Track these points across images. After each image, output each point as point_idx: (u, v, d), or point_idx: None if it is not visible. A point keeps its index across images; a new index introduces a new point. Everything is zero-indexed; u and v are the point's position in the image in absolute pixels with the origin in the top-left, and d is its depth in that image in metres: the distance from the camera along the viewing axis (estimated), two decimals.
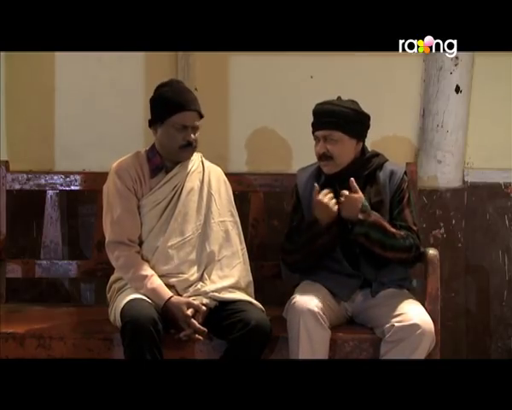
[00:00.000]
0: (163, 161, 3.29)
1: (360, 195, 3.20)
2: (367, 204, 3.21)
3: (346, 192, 3.21)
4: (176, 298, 3.13)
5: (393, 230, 3.23)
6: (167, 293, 3.13)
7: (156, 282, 3.15)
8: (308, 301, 3.12)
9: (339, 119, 3.25)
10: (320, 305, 3.13)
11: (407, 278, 3.36)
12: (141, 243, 3.24)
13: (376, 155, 3.38)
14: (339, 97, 3.34)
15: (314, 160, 3.41)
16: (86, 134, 3.88)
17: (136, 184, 3.25)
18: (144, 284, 3.13)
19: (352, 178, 3.20)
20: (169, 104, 3.20)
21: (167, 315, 3.10)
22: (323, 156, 3.28)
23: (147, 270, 3.17)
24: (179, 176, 3.29)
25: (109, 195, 3.26)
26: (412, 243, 3.24)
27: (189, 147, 3.23)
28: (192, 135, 3.21)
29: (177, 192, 3.28)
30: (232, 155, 3.90)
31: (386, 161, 3.38)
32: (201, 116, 3.26)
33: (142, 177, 3.27)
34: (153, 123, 3.26)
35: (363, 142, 3.36)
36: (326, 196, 3.23)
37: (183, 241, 3.24)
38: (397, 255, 3.24)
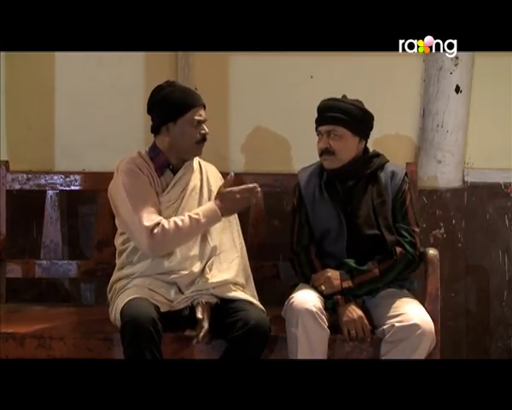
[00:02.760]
0: (167, 160, 3.29)
1: (329, 269, 3.23)
2: (345, 270, 3.23)
3: (317, 282, 3.23)
4: (216, 198, 3.19)
5: (383, 266, 3.23)
6: (210, 203, 3.19)
7: (191, 214, 3.15)
8: (306, 300, 3.12)
9: (343, 114, 3.26)
10: (318, 305, 3.13)
11: (407, 279, 3.36)
12: None
13: (377, 155, 3.38)
14: (344, 96, 3.34)
15: (314, 160, 3.41)
16: (86, 134, 3.88)
17: (149, 179, 3.24)
18: (191, 222, 3.13)
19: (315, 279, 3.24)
20: (182, 102, 3.23)
21: (231, 209, 3.18)
22: (325, 151, 3.29)
23: (176, 219, 3.15)
24: (188, 175, 3.32)
25: (126, 187, 3.18)
26: (408, 259, 3.25)
27: (204, 141, 3.28)
28: (206, 128, 3.26)
29: (183, 191, 3.30)
30: (232, 155, 3.90)
31: (387, 161, 3.38)
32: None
33: (153, 175, 3.27)
34: (162, 124, 3.25)
35: (366, 141, 3.37)
36: (321, 279, 3.24)
37: None
38: (399, 277, 3.28)
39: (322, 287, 3.21)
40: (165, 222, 3.13)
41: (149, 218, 3.13)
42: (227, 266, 3.27)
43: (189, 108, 3.23)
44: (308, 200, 3.36)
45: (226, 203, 3.17)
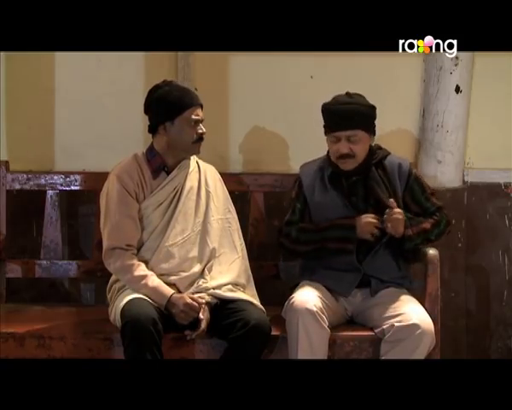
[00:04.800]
0: (164, 162, 3.30)
1: (401, 211, 3.26)
2: (407, 218, 3.28)
3: (393, 210, 3.24)
4: (177, 294, 3.14)
5: (431, 221, 3.33)
6: (169, 291, 3.13)
7: (156, 281, 3.15)
8: (307, 300, 3.12)
9: (360, 117, 3.28)
10: (319, 304, 3.13)
11: (407, 277, 3.37)
12: (141, 246, 3.24)
13: (379, 147, 3.41)
14: (348, 93, 3.33)
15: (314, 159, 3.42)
16: (86, 134, 3.88)
17: (138, 188, 3.25)
18: (144, 284, 3.13)
19: (391, 199, 3.25)
20: (179, 101, 3.23)
21: (171, 312, 3.10)
22: (346, 155, 3.29)
23: (145, 270, 3.17)
24: (180, 176, 3.31)
25: (108, 200, 3.25)
26: (445, 221, 3.36)
27: (201, 140, 3.27)
28: (203, 127, 3.26)
29: (178, 192, 3.30)
30: (232, 155, 3.90)
31: (389, 153, 3.41)
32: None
33: (144, 180, 3.27)
34: (159, 123, 3.25)
35: (374, 135, 3.39)
36: (371, 218, 3.27)
37: (183, 239, 3.25)
38: (441, 237, 3.37)
39: (389, 225, 3.22)
40: (127, 255, 3.17)
41: (117, 237, 3.19)
42: (227, 267, 3.27)
43: (186, 107, 3.23)
44: (309, 193, 3.37)
45: (173, 306, 3.11)
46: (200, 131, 3.26)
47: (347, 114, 3.27)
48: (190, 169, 3.34)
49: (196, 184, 3.34)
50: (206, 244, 3.27)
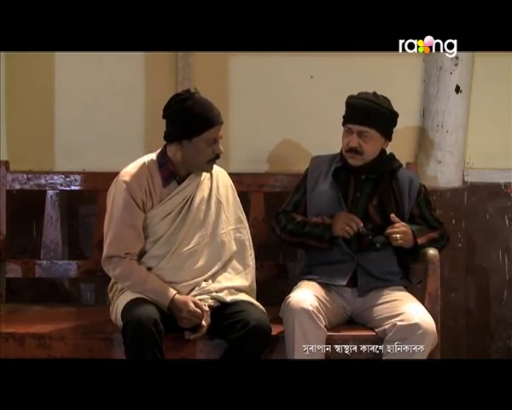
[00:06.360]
0: (175, 170, 3.21)
1: (405, 224, 3.30)
2: (414, 228, 3.32)
3: (399, 223, 3.29)
4: (181, 297, 3.12)
5: (438, 232, 3.40)
6: (171, 291, 3.12)
7: (157, 282, 3.14)
8: (303, 300, 3.12)
9: (378, 118, 3.29)
10: (315, 304, 3.13)
11: (405, 276, 3.37)
12: (144, 253, 3.20)
13: (394, 157, 3.42)
14: (375, 93, 3.34)
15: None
16: (86, 134, 3.87)
17: (146, 196, 3.17)
18: (146, 287, 3.12)
19: (392, 214, 3.29)
20: (200, 121, 3.12)
21: (173, 313, 3.10)
22: (354, 150, 3.30)
23: (145, 272, 3.15)
24: (191, 186, 3.24)
25: (114, 205, 3.18)
26: (447, 236, 3.45)
27: (217, 158, 3.21)
28: (220, 147, 3.19)
29: (188, 202, 3.23)
30: (233, 155, 3.90)
31: (402, 165, 3.43)
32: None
33: (153, 188, 3.19)
34: (176, 139, 3.16)
35: (390, 140, 3.39)
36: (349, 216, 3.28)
37: (189, 250, 3.20)
38: (442, 250, 3.41)
39: (398, 238, 3.25)
40: (125, 261, 3.13)
41: (117, 247, 3.14)
42: (233, 276, 3.24)
43: (206, 128, 3.12)
44: (311, 185, 3.39)
45: (182, 305, 3.10)
46: (218, 151, 3.17)
47: (364, 110, 3.29)
48: (202, 178, 3.26)
49: (207, 193, 3.26)
50: (214, 258, 3.23)
